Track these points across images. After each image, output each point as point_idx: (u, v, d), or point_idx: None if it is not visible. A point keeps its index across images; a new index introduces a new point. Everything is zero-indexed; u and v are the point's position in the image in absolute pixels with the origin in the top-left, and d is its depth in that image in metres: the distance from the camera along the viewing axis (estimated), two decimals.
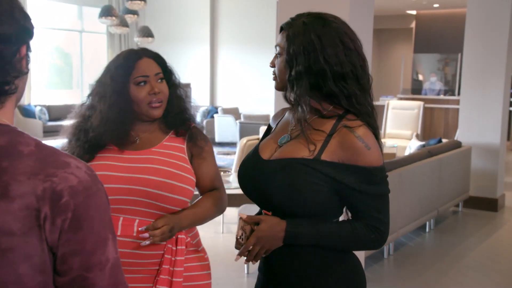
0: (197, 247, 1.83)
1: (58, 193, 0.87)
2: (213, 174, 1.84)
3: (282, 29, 1.52)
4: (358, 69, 1.46)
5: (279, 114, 1.69)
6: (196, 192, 1.84)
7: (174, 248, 1.70)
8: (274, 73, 1.53)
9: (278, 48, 1.50)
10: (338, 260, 1.50)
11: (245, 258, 1.48)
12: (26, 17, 0.92)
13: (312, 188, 1.41)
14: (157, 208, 1.68)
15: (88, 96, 1.79)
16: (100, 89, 1.73)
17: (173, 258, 1.69)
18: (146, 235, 1.63)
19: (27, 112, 10.19)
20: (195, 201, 1.82)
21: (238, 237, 1.48)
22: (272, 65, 1.53)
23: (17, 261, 0.85)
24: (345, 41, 1.44)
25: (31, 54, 0.96)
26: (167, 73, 1.80)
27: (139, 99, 1.70)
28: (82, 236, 0.88)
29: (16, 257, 0.85)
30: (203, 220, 1.80)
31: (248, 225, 1.47)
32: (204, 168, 1.80)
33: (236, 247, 1.49)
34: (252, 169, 1.53)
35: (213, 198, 1.83)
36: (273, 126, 1.68)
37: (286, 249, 1.47)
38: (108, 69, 1.75)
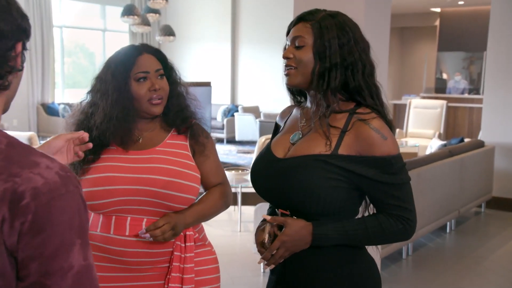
0: (204, 242, 1.82)
1: (19, 194, 0.83)
2: (217, 169, 1.82)
3: (300, 20, 1.49)
4: (375, 66, 1.50)
5: (286, 112, 1.67)
6: (201, 189, 1.83)
7: (183, 245, 1.70)
8: (291, 65, 1.47)
9: (297, 39, 1.46)
10: (351, 260, 1.47)
11: (266, 261, 1.46)
12: (23, 17, 0.93)
13: (331, 185, 1.39)
14: (165, 207, 1.67)
15: (88, 93, 1.76)
16: (101, 86, 1.70)
17: (182, 255, 1.69)
18: (147, 235, 1.62)
19: (51, 111, 10.35)
20: (200, 197, 1.81)
21: (265, 242, 1.46)
22: (290, 56, 1.47)
23: None
24: (366, 40, 1.51)
25: (26, 53, 0.97)
26: (167, 70, 1.78)
27: (140, 96, 1.68)
28: (41, 240, 0.83)
29: None
30: (208, 216, 1.79)
31: (273, 228, 1.45)
32: (207, 164, 1.79)
33: (259, 250, 1.47)
34: (267, 168, 1.51)
35: (218, 193, 1.81)
36: (281, 124, 1.66)
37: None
38: (108, 66, 1.72)
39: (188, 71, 12.28)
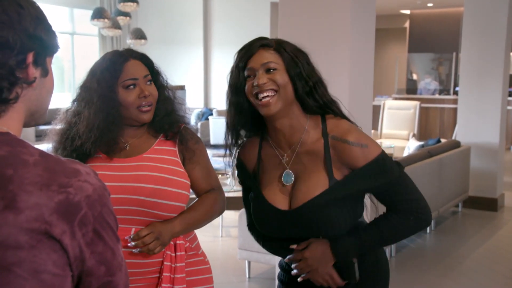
0: (196, 251, 1.78)
1: (75, 205, 0.83)
2: (208, 174, 1.77)
3: (259, 47, 1.47)
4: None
5: (251, 149, 1.61)
6: (192, 195, 1.77)
7: (173, 254, 1.65)
8: (271, 89, 1.43)
9: (267, 64, 1.45)
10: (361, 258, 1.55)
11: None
12: (39, 26, 0.89)
13: (343, 212, 1.47)
14: (153, 216, 1.62)
15: (73, 101, 1.70)
16: (86, 94, 1.65)
17: (173, 265, 1.64)
18: (135, 247, 1.59)
19: None
20: (191, 203, 1.76)
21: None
22: (265, 81, 1.43)
23: (25, 276, 0.81)
24: None
25: (49, 65, 0.94)
26: (154, 74, 1.74)
27: (128, 103, 1.63)
28: (103, 244, 0.89)
29: (23, 271, 0.81)
30: (200, 223, 1.74)
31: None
32: (198, 170, 1.74)
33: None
34: (278, 222, 1.52)
35: (210, 199, 1.76)
36: (248, 164, 1.60)
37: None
38: (93, 73, 1.66)
39: None
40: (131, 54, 1.68)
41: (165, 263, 1.63)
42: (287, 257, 1.56)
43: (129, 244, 1.58)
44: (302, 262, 1.50)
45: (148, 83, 1.68)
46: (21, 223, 0.80)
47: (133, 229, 1.61)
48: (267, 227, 1.57)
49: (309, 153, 1.49)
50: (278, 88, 1.44)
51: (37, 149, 0.88)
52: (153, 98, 1.67)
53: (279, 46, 1.47)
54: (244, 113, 1.50)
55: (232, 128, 1.55)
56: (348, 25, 2.76)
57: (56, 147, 1.70)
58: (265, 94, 1.43)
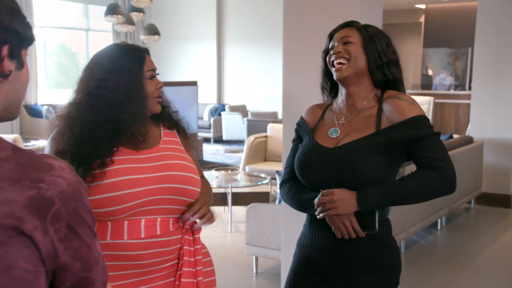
0: (202, 243, 1.79)
1: (47, 200, 0.82)
2: (197, 163, 1.84)
3: (344, 26, 1.76)
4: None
5: (317, 111, 1.85)
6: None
7: (191, 238, 1.68)
8: (343, 57, 1.69)
9: (345, 37, 1.71)
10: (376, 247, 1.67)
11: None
12: (14, 18, 0.87)
13: (380, 160, 1.63)
14: (179, 203, 1.66)
15: (87, 94, 1.63)
16: (119, 86, 1.61)
17: (192, 248, 1.68)
18: (197, 223, 1.68)
19: (34, 112, 10.17)
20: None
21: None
22: (340, 49, 1.70)
23: None
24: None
25: (25, 57, 0.91)
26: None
27: (150, 93, 1.68)
28: (78, 240, 0.88)
29: None
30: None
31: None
32: (192, 157, 1.81)
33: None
34: (319, 159, 1.70)
35: (208, 184, 1.87)
36: (311, 121, 1.84)
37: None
38: (118, 65, 1.63)
39: (174, 70, 12.19)
40: (143, 48, 1.73)
41: (184, 247, 1.66)
42: (317, 196, 1.66)
43: (190, 224, 1.66)
44: (329, 197, 1.62)
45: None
46: None
47: (159, 219, 1.62)
48: (308, 165, 1.72)
49: (363, 117, 1.70)
50: (350, 57, 1.69)
51: (10, 143, 0.86)
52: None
53: (362, 26, 1.75)
54: (326, 77, 1.82)
55: (321, 87, 1.86)
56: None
57: (79, 139, 1.58)
58: (338, 61, 1.70)
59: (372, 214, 1.63)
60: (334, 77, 1.73)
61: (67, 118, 1.64)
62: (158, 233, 1.62)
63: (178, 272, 1.66)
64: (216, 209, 5.83)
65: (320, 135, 1.77)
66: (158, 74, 1.73)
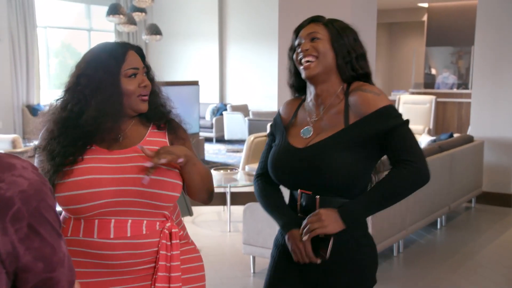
0: (187, 240, 1.79)
1: (7, 200, 0.81)
2: None
3: (310, 22, 1.73)
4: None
5: (293, 105, 1.83)
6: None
7: (168, 243, 1.66)
8: (311, 54, 1.66)
9: (312, 34, 1.68)
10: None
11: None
12: None
13: (351, 157, 1.59)
14: (150, 207, 1.63)
15: (68, 90, 1.67)
16: (90, 82, 1.63)
17: (168, 254, 1.66)
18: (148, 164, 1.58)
19: (37, 112, 10.21)
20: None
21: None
22: (308, 47, 1.66)
23: None
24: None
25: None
26: (145, 68, 1.75)
27: (130, 91, 1.64)
28: (40, 240, 0.86)
29: None
30: (205, 179, 1.74)
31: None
32: None
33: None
34: (291, 159, 1.68)
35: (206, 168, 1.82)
36: (286, 116, 1.81)
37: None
38: (95, 61, 1.65)
39: (176, 70, 12.19)
40: (129, 45, 1.71)
41: (160, 252, 1.64)
42: (305, 220, 1.61)
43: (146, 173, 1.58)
44: (317, 217, 1.58)
45: (144, 74, 1.71)
46: None
47: (130, 221, 1.61)
48: (279, 165, 1.71)
49: (332, 114, 1.67)
50: (318, 54, 1.66)
51: None
52: (149, 89, 1.71)
53: (328, 21, 1.71)
54: (293, 75, 1.78)
55: (289, 86, 1.84)
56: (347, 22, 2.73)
57: (53, 136, 1.64)
58: (306, 59, 1.67)
59: (327, 240, 1.59)
60: (303, 75, 1.70)
61: (47, 114, 1.67)
62: (129, 234, 1.61)
63: (154, 276, 1.65)
64: (215, 209, 5.84)
65: (293, 134, 1.75)
66: (149, 72, 1.71)
